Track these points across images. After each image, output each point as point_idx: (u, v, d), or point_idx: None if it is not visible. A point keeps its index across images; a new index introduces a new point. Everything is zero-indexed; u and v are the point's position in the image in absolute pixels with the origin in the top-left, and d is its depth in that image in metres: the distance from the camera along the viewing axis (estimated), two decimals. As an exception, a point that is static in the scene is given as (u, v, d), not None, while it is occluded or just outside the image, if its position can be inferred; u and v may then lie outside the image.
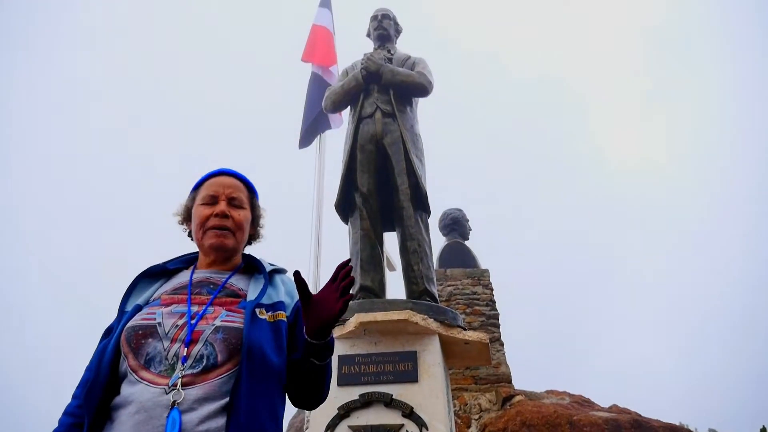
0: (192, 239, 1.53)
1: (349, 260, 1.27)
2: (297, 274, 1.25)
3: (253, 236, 1.57)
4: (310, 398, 1.40)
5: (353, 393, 3.10)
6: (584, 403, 6.19)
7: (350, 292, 1.26)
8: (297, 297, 1.46)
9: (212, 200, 1.46)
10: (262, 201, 1.61)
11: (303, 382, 1.35)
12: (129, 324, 1.27)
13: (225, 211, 1.44)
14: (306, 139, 6.19)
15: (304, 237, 5.49)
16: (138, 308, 1.32)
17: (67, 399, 1.34)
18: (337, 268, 1.27)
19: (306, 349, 1.29)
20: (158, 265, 1.49)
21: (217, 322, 1.26)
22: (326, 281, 1.29)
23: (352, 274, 1.27)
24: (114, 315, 1.39)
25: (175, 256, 1.54)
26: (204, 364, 1.18)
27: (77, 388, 1.33)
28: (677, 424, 5.77)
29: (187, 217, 1.53)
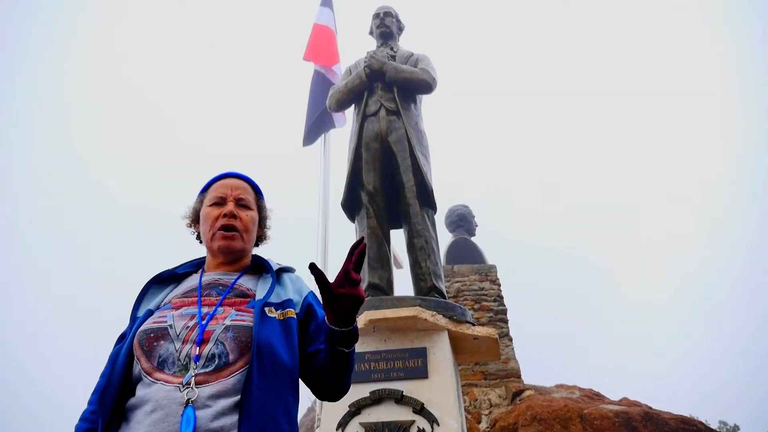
0: (200, 242, 1.55)
1: (362, 238, 1.26)
2: (313, 265, 1.23)
3: (260, 237, 1.60)
4: (335, 388, 1.40)
5: (364, 390, 3.11)
6: (594, 396, 6.18)
7: (360, 272, 1.26)
8: (305, 294, 1.48)
9: (220, 201, 1.49)
10: (268, 201, 1.63)
11: (328, 372, 1.35)
12: (141, 328, 1.29)
13: (233, 211, 1.47)
14: (310, 137, 6.19)
15: (310, 236, 5.50)
16: (149, 313, 1.34)
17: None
18: (351, 248, 1.25)
19: (331, 339, 1.30)
20: (168, 270, 1.51)
21: (228, 322, 1.27)
22: (337, 272, 1.29)
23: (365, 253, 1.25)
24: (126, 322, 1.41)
25: (185, 261, 1.56)
26: (216, 363, 1.20)
27: (92, 394, 1.35)
28: (688, 416, 5.76)
29: (195, 220, 1.56)
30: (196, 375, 1.17)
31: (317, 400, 4.39)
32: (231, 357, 1.22)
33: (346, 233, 4.37)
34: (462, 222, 8.38)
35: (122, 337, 1.38)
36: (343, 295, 1.24)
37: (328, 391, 1.42)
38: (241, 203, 1.50)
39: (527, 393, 6.14)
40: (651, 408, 5.65)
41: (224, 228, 1.45)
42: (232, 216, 1.46)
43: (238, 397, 1.17)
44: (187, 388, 1.15)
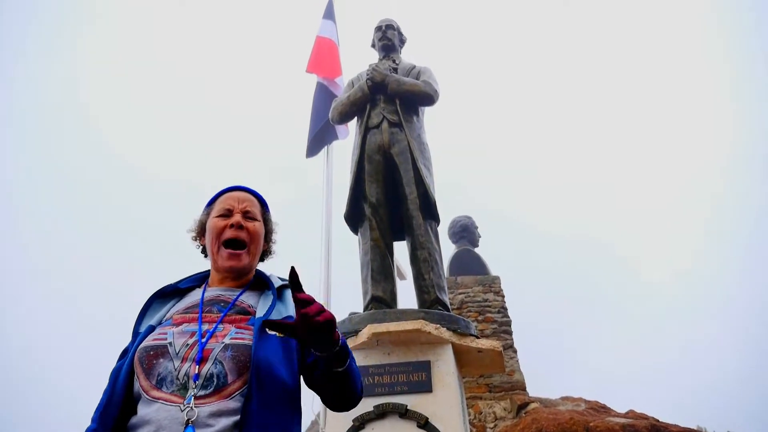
0: (205, 256, 1.55)
1: (292, 268, 1.19)
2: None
3: (266, 252, 1.59)
4: (342, 401, 1.39)
5: (368, 404, 3.08)
6: (600, 408, 6.13)
7: (314, 301, 1.19)
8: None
9: (227, 213, 1.49)
10: (274, 215, 1.63)
11: (330, 389, 1.34)
12: (141, 345, 1.28)
13: (240, 222, 1.46)
14: (313, 149, 6.21)
15: (314, 248, 5.49)
16: (151, 329, 1.33)
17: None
18: (290, 280, 1.19)
19: (320, 362, 1.28)
20: (170, 285, 1.50)
21: (227, 340, 1.26)
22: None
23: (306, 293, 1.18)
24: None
25: (188, 275, 1.55)
26: (215, 384, 1.19)
27: (95, 411, 1.34)
28: (695, 428, 5.71)
29: (201, 232, 1.55)
30: (195, 397, 1.16)
31: (321, 414, 4.37)
32: (229, 378, 1.20)
33: (349, 245, 4.37)
34: (465, 233, 8.38)
35: (125, 353, 1.37)
36: (305, 333, 1.18)
37: (337, 405, 1.40)
38: (247, 215, 1.50)
39: (532, 406, 6.10)
40: (658, 420, 5.60)
41: (231, 242, 1.44)
42: (239, 227, 1.46)
43: (239, 416, 1.16)
44: (188, 408, 1.14)
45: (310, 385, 1.39)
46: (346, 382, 1.32)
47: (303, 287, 1.19)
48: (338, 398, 1.37)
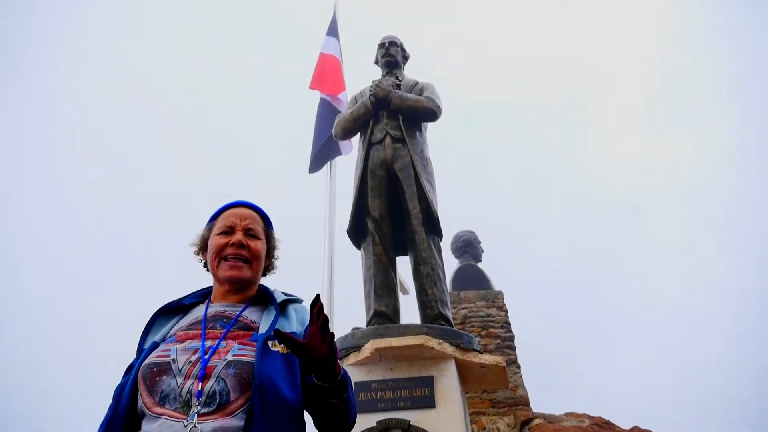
0: (207, 270, 1.56)
1: (318, 296, 1.24)
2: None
3: (268, 267, 1.60)
4: (335, 429, 1.39)
5: (370, 420, 3.08)
6: (604, 425, 6.09)
7: (329, 330, 1.24)
8: (308, 323, 1.47)
9: (229, 230, 1.49)
10: (276, 231, 1.64)
11: (323, 417, 1.35)
12: (145, 362, 1.29)
13: (242, 240, 1.47)
14: (316, 164, 6.23)
15: (316, 264, 5.49)
16: (155, 345, 1.34)
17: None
18: (311, 308, 1.24)
19: (316, 392, 1.29)
20: (174, 301, 1.51)
21: (229, 357, 1.26)
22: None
23: (325, 312, 1.23)
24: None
25: (191, 291, 1.56)
26: (218, 401, 1.19)
27: (99, 428, 1.34)
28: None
29: (203, 247, 1.56)
30: (198, 414, 1.17)
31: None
32: (232, 395, 1.21)
33: (352, 261, 4.37)
34: (468, 248, 8.36)
35: (129, 369, 1.38)
36: (312, 352, 1.22)
37: (327, 430, 1.40)
38: (249, 233, 1.50)
39: (536, 422, 6.05)
40: (663, 437, 5.55)
41: (232, 257, 1.45)
42: (240, 245, 1.46)
43: None
44: (191, 423, 1.15)
45: (308, 407, 1.39)
46: (338, 414, 1.33)
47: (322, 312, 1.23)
48: (328, 427, 1.37)
